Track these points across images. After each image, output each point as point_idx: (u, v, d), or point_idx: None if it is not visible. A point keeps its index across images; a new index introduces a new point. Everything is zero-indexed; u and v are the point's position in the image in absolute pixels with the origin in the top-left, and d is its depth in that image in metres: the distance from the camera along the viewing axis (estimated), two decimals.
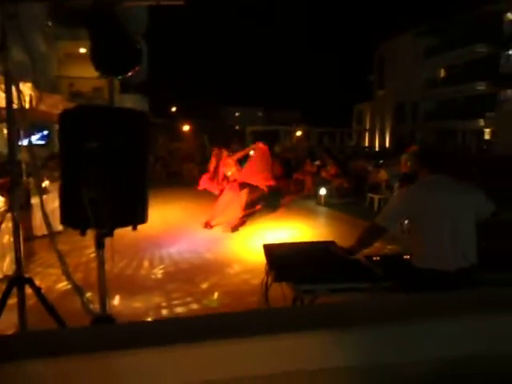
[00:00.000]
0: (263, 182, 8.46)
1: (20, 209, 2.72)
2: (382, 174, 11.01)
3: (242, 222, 8.32)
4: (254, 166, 8.30)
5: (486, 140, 27.26)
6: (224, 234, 7.69)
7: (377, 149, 33.26)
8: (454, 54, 29.31)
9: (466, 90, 28.53)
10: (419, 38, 31.99)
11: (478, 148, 26.85)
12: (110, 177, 2.26)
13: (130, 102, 20.05)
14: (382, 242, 6.22)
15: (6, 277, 4.97)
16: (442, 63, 31.93)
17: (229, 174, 8.24)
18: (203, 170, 12.75)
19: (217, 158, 8.45)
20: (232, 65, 78.38)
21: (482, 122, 27.33)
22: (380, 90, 37.75)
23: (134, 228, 2.43)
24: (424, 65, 32.38)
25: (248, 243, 7.05)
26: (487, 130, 27.47)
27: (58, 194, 2.49)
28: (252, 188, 8.33)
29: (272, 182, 8.66)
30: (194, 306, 4.51)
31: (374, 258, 3.09)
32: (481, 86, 27.56)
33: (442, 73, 32.84)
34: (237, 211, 8.03)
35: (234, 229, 7.96)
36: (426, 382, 1.39)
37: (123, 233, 2.79)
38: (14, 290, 2.67)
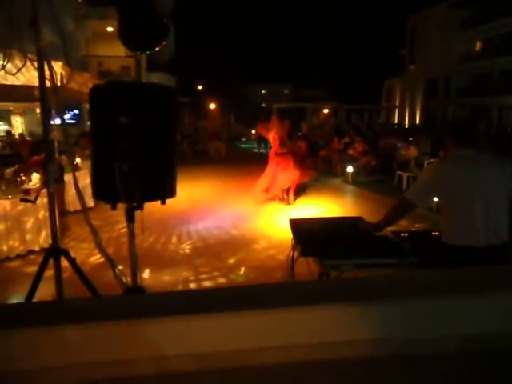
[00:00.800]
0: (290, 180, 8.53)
1: (55, 182, 2.81)
2: (412, 151, 10.76)
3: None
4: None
5: None
6: (250, 211, 7.74)
7: (406, 126, 32.41)
8: (491, 25, 27.92)
9: (503, 63, 27.23)
10: (454, 9, 30.56)
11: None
12: (141, 151, 2.30)
13: (156, 80, 20.15)
14: (409, 220, 6.14)
15: (42, 249, 5.20)
16: (477, 36, 30.47)
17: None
18: (231, 146, 12.72)
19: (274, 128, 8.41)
20: (259, 42, 77.21)
21: None
22: (411, 65, 36.49)
23: (163, 202, 2.48)
24: (459, 38, 31.00)
25: (274, 220, 7.09)
26: None
27: (88, 171, 2.56)
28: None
29: (298, 179, 8.67)
30: (221, 281, 4.61)
31: (402, 234, 3.06)
32: None
33: (478, 46, 31.37)
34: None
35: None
36: (451, 357, 1.39)
37: (152, 209, 2.86)
38: (51, 263, 2.79)
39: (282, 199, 8.41)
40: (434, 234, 3.05)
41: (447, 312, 1.45)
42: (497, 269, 1.91)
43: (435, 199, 2.92)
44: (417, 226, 6.20)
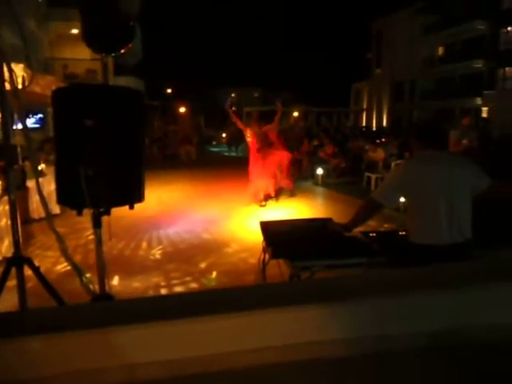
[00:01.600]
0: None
1: (16, 189, 2.71)
2: (379, 153, 10.99)
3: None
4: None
5: (484, 118, 27.16)
6: (221, 215, 7.70)
7: (374, 128, 33.11)
8: (453, 31, 28.93)
9: (464, 67, 28.30)
10: (417, 14, 31.52)
11: (476, 126, 26.75)
12: (107, 154, 2.24)
13: (124, 83, 19.73)
14: (378, 220, 6.26)
15: (4, 258, 5.00)
16: (440, 41, 31.52)
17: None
18: (201, 150, 12.56)
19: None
20: (228, 45, 77.34)
21: (479, 101, 27.19)
22: (377, 69, 37.36)
23: (131, 207, 2.43)
24: (422, 42, 31.97)
25: (245, 223, 7.08)
26: (485, 109, 27.33)
27: (53, 176, 2.47)
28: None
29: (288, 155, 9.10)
30: (193, 285, 4.56)
31: (371, 234, 3.12)
32: (478, 64, 27.35)
33: (440, 51, 32.46)
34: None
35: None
36: (420, 353, 1.41)
37: (121, 215, 2.79)
38: (13, 272, 2.68)
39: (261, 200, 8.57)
40: (401, 233, 3.12)
41: (415, 309, 1.48)
42: (461, 265, 1.98)
43: (402, 199, 2.98)
44: (385, 226, 6.33)
